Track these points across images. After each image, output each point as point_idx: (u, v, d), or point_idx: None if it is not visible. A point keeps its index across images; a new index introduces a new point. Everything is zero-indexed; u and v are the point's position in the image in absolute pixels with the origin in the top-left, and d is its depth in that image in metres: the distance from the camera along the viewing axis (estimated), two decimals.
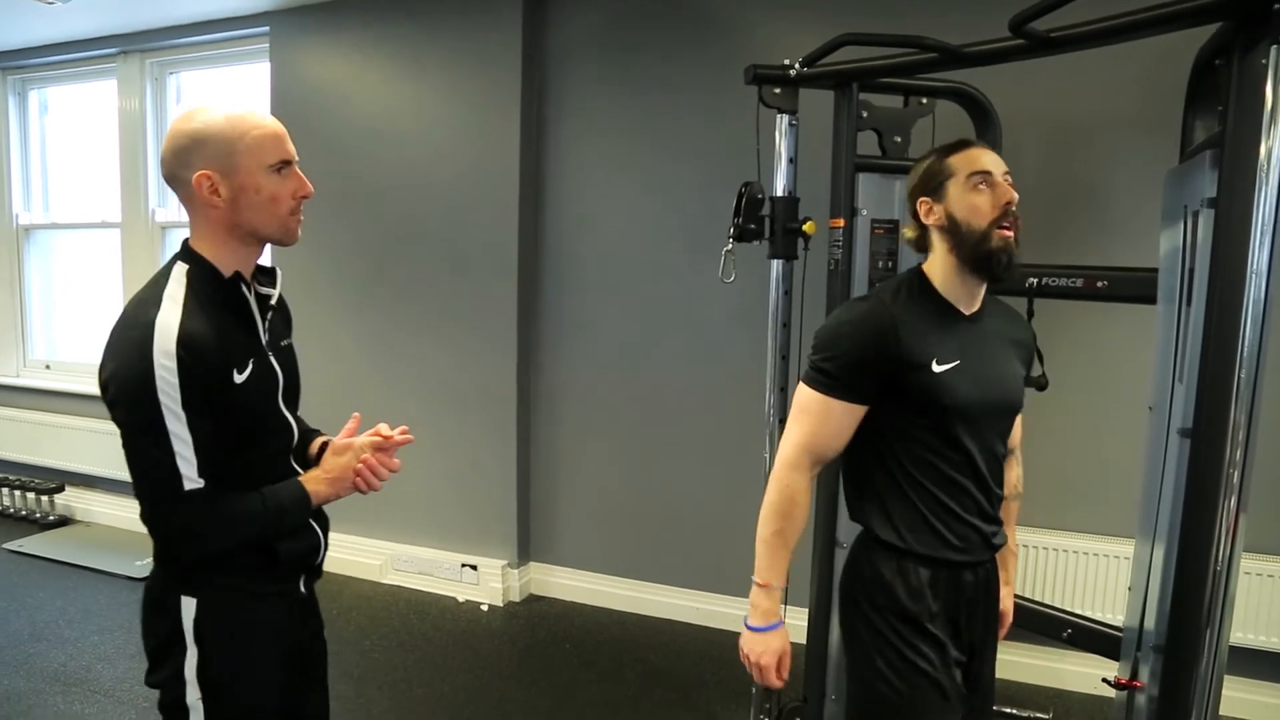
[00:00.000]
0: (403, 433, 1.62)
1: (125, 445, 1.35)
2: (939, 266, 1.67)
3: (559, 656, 3.47)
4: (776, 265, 2.53)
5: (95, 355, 1.40)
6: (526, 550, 4.08)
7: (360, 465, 1.56)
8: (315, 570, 1.63)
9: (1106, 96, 2.96)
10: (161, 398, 1.29)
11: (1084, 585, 3.09)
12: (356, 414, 1.66)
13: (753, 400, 2.77)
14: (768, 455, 2.58)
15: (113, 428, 1.34)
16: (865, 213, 2.46)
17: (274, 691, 1.54)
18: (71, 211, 5.26)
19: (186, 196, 1.42)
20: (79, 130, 5.24)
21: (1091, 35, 1.94)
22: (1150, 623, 2.10)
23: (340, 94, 4.14)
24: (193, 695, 1.44)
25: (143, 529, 1.39)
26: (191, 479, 1.33)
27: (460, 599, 4.00)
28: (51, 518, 4.94)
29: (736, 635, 1.72)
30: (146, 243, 4.77)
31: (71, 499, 5.02)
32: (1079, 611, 2.69)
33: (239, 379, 1.40)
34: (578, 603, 3.98)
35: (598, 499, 3.95)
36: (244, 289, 1.47)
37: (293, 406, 1.58)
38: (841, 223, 2.47)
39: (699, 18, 3.56)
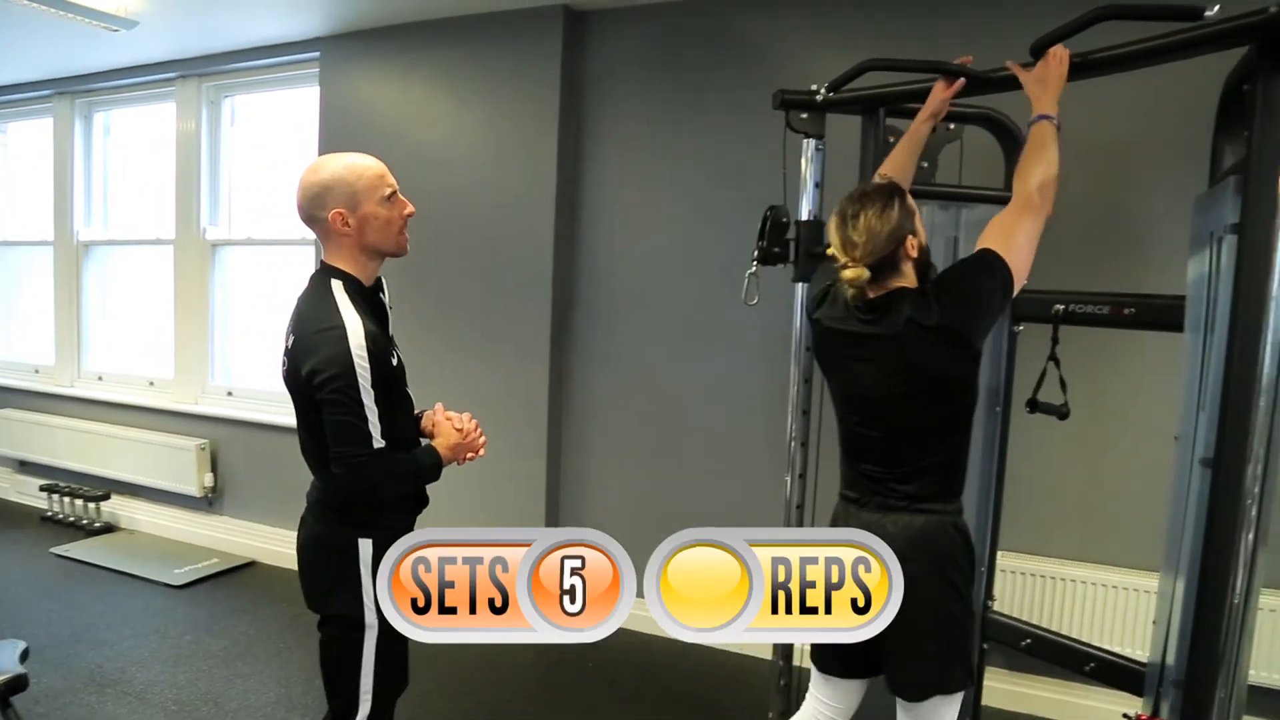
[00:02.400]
0: (470, 419, 2.05)
1: (331, 417, 1.76)
2: None
3: (581, 676, 3.47)
4: (801, 289, 2.53)
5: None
6: None
7: (464, 441, 2.00)
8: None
9: (1138, 121, 2.93)
10: (360, 380, 1.74)
11: (1111, 619, 3.02)
12: (440, 404, 2.09)
13: (781, 423, 2.76)
14: (789, 478, 2.58)
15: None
16: None
17: None
18: (128, 228, 5.46)
19: (323, 231, 1.88)
20: (138, 150, 5.45)
21: (1114, 60, 1.93)
22: (1172, 658, 2.06)
23: (386, 117, 4.26)
24: (370, 617, 1.86)
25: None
26: (377, 440, 1.77)
27: None
28: (97, 524, 5.08)
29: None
30: (198, 259, 4.93)
31: (117, 507, 5.16)
32: (1106, 646, 2.63)
33: (394, 363, 1.89)
34: None
35: (626, 518, 3.95)
36: (379, 295, 1.98)
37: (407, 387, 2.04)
38: None
39: (734, 42, 3.60)
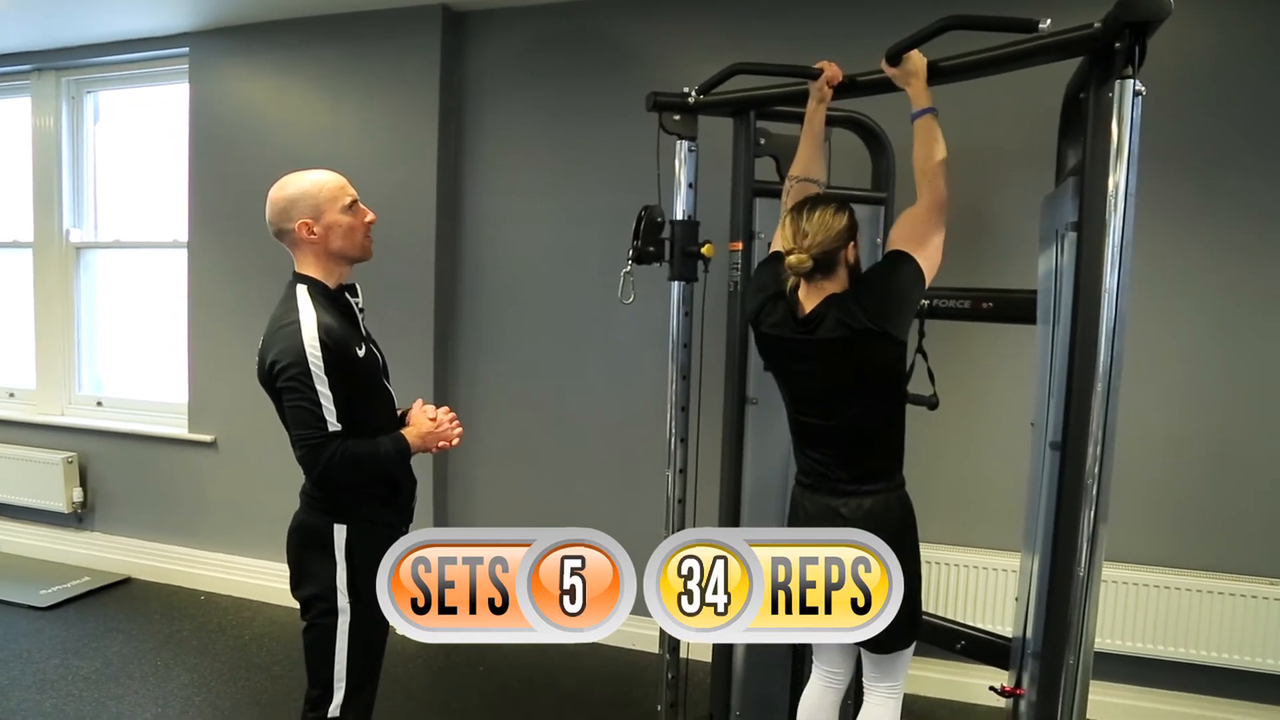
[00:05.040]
0: (446, 411, 2.14)
1: (288, 404, 1.88)
2: None
3: (472, 680, 3.45)
4: (677, 287, 2.58)
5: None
6: None
7: (436, 430, 2.09)
8: (411, 513, 2.17)
9: (996, 127, 3.07)
10: (312, 369, 1.85)
11: (981, 599, 3.17)
12: (420, 399, 2.16)
13: (663, 420, 2.79)
14: (669, 474, 2.62)
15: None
16: (763, 236, 2.53)
17: None
18: None
19: (292, 241, 2.01)
20: None
21: (965, 68, 2.04)
22: (1031, 631, 2.18)
23: (259, 116, 4.13)
24: (342, 601, 1.95)
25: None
26: (333, 423, 1.87)
27: None
28: None
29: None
30: (60, 263, 4.67)
31: None
32: (976, 625, 2.77)
33: (359, 355, 1.97)
34: None
35: (512, 524, 3.94)
36: (347, 296, 2.06)
37: (389, 381, 2.14)
38: (740, 246, 2.54)
39: (610, 45, 3.63)
